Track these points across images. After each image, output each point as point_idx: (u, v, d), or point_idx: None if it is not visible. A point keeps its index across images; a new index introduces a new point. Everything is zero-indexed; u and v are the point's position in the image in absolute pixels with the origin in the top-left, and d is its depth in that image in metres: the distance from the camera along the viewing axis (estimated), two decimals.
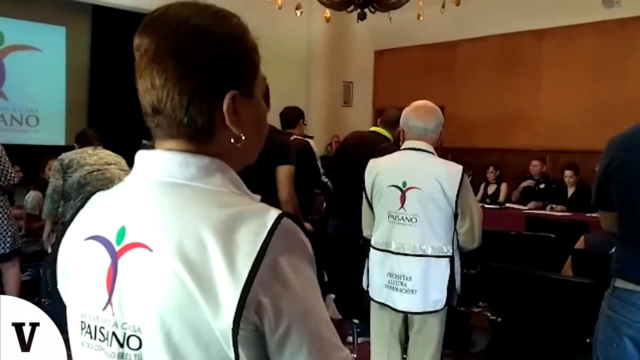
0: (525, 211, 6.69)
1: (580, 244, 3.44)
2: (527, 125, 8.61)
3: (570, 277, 3.01)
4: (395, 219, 2.75)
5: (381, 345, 2.94)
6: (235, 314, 0.75)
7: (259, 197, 0.91)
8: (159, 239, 0.81)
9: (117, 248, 0.84)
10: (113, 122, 7.19)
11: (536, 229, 4.93)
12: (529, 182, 7.51)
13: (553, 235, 4.00)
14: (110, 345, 0.85)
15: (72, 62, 7.88)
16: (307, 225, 3.81)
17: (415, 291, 2.70)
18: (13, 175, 4.35)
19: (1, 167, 4.26)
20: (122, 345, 0.84)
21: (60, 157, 4.49)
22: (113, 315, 0.84)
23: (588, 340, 2.33)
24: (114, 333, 0.84)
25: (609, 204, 2.08)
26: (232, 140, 0.87)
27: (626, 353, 1.93)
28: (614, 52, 7.84)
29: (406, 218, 2.72)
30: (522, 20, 8.43)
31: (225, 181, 0.86)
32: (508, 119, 8.75)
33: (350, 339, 4.43)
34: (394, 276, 2.75)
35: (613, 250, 2.14)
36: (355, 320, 3.85)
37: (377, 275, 2.83)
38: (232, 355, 0.77)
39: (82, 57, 7.84)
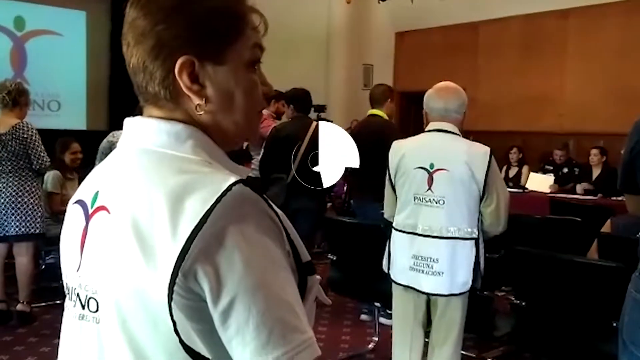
0: (549, 194, 6.60)
1: (607, 227, 3.38)
2: (551, 107, 8.48)
3: (597, 261, 2.96)
4: (422, 201, 2.72)
5: (404, 328, 2.92)
6: (171, 278, 0.73)
7: (247, 169, 0.89)
8: (118, 202, 0.82)
9: (90, 211, 0.86)
10: (134, 106, 7.21)
11: (561, 213, 4.87)
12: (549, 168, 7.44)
13: (579, 219, 3.94)
14: (75, 306, 0.87)
15: (93, 47, 7.91)
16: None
17: (442, 273, 2.69)
18: (46, 159, 4.39)
19: (35, 150, 4.31)
20: (83, 307, 0.85)
21: (110, 138, 4.50)
22: (79, 277, 0.86)
23: (615, 324, 2.29)
24: (78, 294, 0.86)
25: (635, 186, 2.03)
26: (196, 110, 0.85)
27: None
28: None
29: (433, 200, 2.69)
30: (546, 0, 8.27)
31: (197, 149, 0.84)
32: (532, 101, 8.63)
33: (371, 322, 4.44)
34: (420, 258, 2.74)
35: None
36: (377, 304, 3.84)
37: (400, 257, 2.82)
38: (172, 324, 0.75)
39: (102, 42, 7.86)
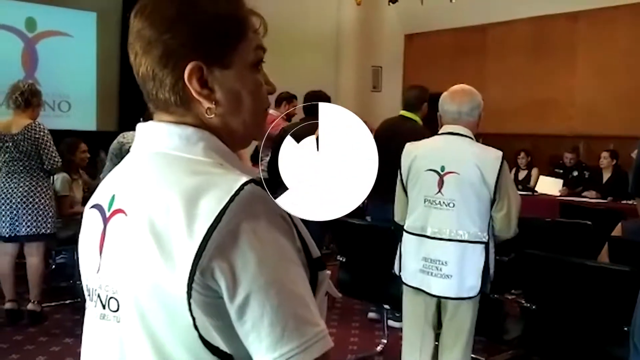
0: (559, 198, 6.58)
1: (617, 231, 3.36)
2: (560, 110, 8.45)
3: (608, 265, 2.95)
4: (432, 204, 2.72)
5: (414, 330, 2.92)
6: (189, 276, 0.76)
7: (256, 170, 0.91)
8: (134, 204, 0.84)
9: (107, 214, 0.89)
10: (144, 107, 7.22)
11: (571, 216, 4.85)
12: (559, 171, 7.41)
13: (589, 223, 3.92)
14: (96, 307, 0.89)
15: (103, 48, 7.94)
16: None
17: (451, 276, 2.69)
18: (57, 159, 4.43)
19: (47, 151, 4.34)
20: (104, 307, 0.88)
21: (121, 139, 4.50)
22: (99, 278, 0.89)
23: (625, 328, 2.28)
24: (99, 295, 0.89)
25: None
26: (206, 113, 0.87)
27: None
28: None
29: (443, 203, 2.69)
30: (556, 2, 8.24)
31: (209, 151, 0.86)
32: (540, 103, 8.59)
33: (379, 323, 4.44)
34: (429, 261, 2.74)
35: None
36: (386, 306, 3.84)
37: (411, 260, 2.82)
38: (191, 320, 0.77)
39: (112, 43, 7.89)
